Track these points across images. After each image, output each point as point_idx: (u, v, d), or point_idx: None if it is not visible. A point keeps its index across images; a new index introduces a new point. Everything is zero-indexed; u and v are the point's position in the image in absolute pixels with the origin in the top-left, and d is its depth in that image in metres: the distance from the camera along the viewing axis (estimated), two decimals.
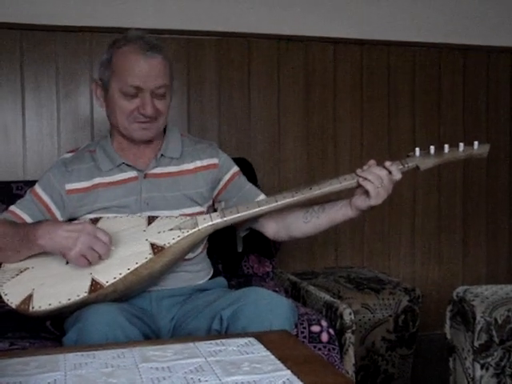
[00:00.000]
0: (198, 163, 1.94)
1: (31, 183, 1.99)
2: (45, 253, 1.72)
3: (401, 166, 1.80)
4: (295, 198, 1.80)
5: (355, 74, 3.27)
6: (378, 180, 1.73)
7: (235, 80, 3.08)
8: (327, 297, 2.26)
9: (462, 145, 1.84)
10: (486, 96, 3.49)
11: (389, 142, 3.32)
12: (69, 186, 1.87)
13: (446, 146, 1.83)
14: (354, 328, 2.11)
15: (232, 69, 3.07)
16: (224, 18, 3.03)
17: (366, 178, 1.74)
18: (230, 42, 3.05)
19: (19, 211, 1.86)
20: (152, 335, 1.72)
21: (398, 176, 1.78)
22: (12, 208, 1.88)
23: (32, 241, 1.67)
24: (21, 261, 1.75)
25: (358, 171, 1.77)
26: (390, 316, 2.60)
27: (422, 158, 1.82)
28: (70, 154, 1.95)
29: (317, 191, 1.80)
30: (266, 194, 1.96)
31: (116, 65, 1.81)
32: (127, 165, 1.88)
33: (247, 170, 2.41)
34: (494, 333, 1.76)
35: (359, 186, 1.77)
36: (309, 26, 3.15)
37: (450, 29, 3.37)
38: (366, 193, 1.76)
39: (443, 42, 3.37)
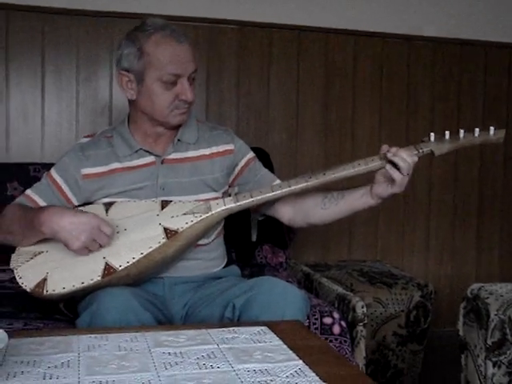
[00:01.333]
0: (214, 149, 1.94)
1: (48, 166, 1.99)
2: None
3: (415, 152, 1.76)
4: (309, 183, 1.79)
5: (375, 67, 3.25)
6: (406, 166, 1.69)
7: (255, 70, 3.08)
8: (340, 289, 2.26)
9: (477, 130, 1.80)
10: (507, 92, 3.46)
11: (407, 136, 3.30)
12: (85, 171, 1.87)
13: (462, 131, 1.79)
14: (365, 321, 2.11)
15: (252, 58, 3.07)
16: (246, 8, 3.02)
17: (395, 166, 1.70)
18: (250, 31, 3.05)
19: (34, 195, 1.86)
20: (164, 321, 1.72)
21: (415, 159, 1.73)
22: (28, 192, 1.88)
23: (36, 227, 1.68)
24: (32, 245, 1.76)
25: (389, 155, 1.71)
26: (402, 311, 2.60)
27: (437, 144, 1.78)
28: (87, 139, 1.95)
29: (330, 176, 1.79)
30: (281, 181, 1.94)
31: (152, 54, 1.78)
32: (145, 150, 1.88)
33: (264, 159, 2.39)
34: (507, 331, 1.75)
35: (377, 170, 1.75)
36: (330, 18, 3.14)
37: (472, 25, 3.34)
38: (389, 180, 1.73)
39: (465, 38, 3.34)
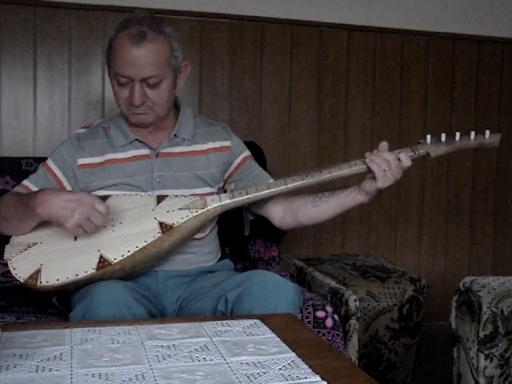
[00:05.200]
0: (211, 145, 1.94)
1: (41, 160, 1.99)
2: (53, 228, 1.73)
3: (411, 153, 1.78)
4: (305, 181, 1.79)
5: (368, 61, 3.26)
6: (384, 163, 1.72)
7: (247, 64, 3.07)
8: (333, 283, 2.26)
9: (473, 133, 1.82)
10: (500, 87, 3.47)
11: (399, 129, 3.30)
12: (81, 161, 1.87)
13: (458, 134, 1.82)
14: (358, 315, 2.11)
15: (245, 52, 3.06)
16: (238, 1, 3.01)
17: (372, 160, 1.73)
18: (243, 25, 3.04)
19: (31, 185, 1.86)
20: (157, 314, 1.73)
21: (407, 163, 1.76)
22: (24, 182, 1.88)
23: (32, 210, 1.66)
24: (28, 233, 1.75)
25: (367, 154, 1.76)
26: (395, 305, 2.60)
27: (433, 146, 1.80)
28: (84, 130, 1.95)
29: (327, 175, 1.79)
30: (276, 179, 1.95)
31: (111, 51, 1.80)
32: (140, 141, 1.88)
33: (257, 154, 2.40)
34: (499, 324, 1.75)
35: (369, 171, 1.76)
36: (323, 12, 3.14)
37: (465, 19, 3.35)
38: (374, 176, 1.75)
39: (458, 32, 3.35)
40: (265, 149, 2.76)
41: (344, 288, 2.19)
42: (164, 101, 1.82)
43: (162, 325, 1.39)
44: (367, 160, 1.75)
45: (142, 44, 1.74)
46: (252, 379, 1.08)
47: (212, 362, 1.16)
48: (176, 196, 1.81)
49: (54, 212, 1.63)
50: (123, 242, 1.69)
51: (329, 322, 1.99)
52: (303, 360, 1.18)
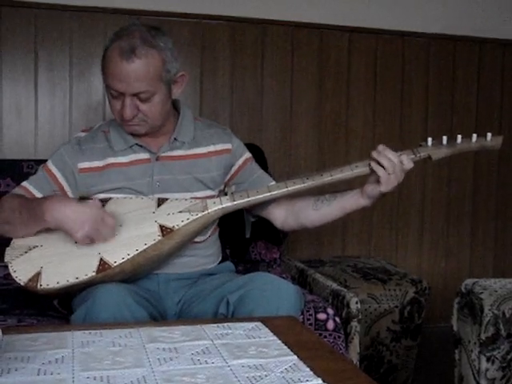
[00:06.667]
0: (211, 148, 1.93)
1: (42, 162, 1.98)
2: (54, 231, 1.73)
3: (412, 156, 1.78)
4: (306, 184, 1.79)
5: (369, 62, 3.26)
6: (390, 165, 1.71)
7: (248, 66, 3.07)
8: (334, 285, 2.26)
9: (474, 136, 1.81)
10: (501, 88, 3.47)
11: (401, 131, 3.30)
12: (81, 165, 1.86)
13: (459, 137, 1.81)
14: (359, 317, 2.11)
15: (246, 54, 3.06)
16: (239, 3, 3.01)
17: (378, 162, 1.72)
18: (244, 27, 3.04)
19: (31, 187, 1.85)
20: (159, 317, 1.72)
21: (409, 165, 1.75)
22: (24, 184, 1.87)
23: (39, 216, 1.66)
24: (30, 236, 1.74)
25: (374, 154, 1.74)
26: (396, 307, 2.60)
27: (434, 148, 1.80)
28: (84, 133, 1.94)
29: (328, 178, 1.79)
30: (277, 181, 1.95)
31: (104, 63, 1.78)
32: (140, 146, 1.88)
33: (258, 156, 2.40)
34: (501, 326, 1.75)
35: (371, 173, 1.76)
36: (324, 14, 3.14)
37: (466, 21, 3.35)
38: (377, 180, 1.74)
39: (459, 34, 3.35)
40: (266, 151, 2.76)
41: (345, 290, 2.19)
42: (157, 113, 1.81)
43: (164, 327, 1.39)
44: (373, 163, 1.74)
45: (131, 59, 1.71)
46: (253, 382, 1.08)
47: (213, 364, 1.16)
48: (177, 199, 1.81)
49: (63, 222, 1.64)
50: (123, 245, 1.68)
51: (330, 324, 1.99)
52: (305, 362, 1.18)
